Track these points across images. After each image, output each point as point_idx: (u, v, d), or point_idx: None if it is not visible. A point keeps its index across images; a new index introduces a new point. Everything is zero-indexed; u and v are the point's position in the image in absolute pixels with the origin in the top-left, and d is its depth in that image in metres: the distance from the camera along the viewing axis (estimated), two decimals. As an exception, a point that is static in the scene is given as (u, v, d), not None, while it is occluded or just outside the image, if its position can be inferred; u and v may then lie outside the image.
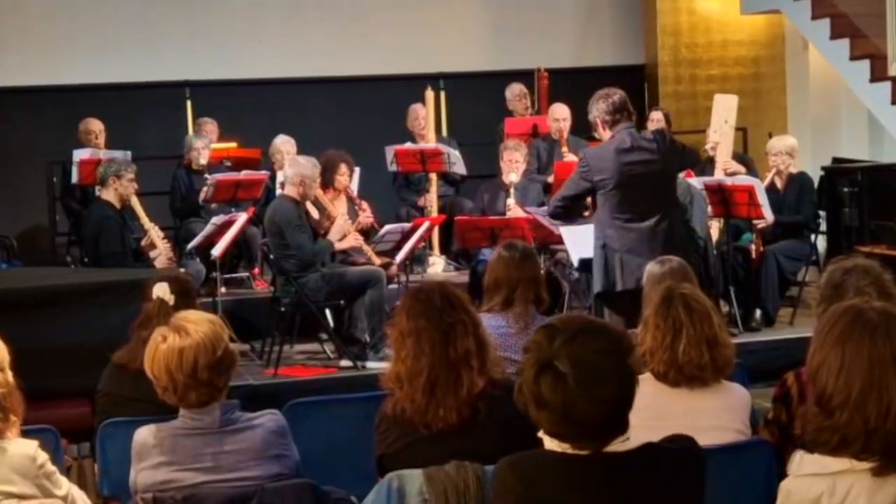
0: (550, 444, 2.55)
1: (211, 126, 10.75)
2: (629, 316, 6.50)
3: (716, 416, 3.88)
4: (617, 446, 2.53)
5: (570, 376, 2.44)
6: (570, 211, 6.87)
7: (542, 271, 7.78)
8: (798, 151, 9.16)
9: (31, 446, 3.57)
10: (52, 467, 3.61)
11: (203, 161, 9.95)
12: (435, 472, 3.41)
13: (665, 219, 6.63)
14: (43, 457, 3.57)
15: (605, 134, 6.68)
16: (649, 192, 6.59)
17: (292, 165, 8.18)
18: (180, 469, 3.46)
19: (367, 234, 8.93)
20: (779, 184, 8.97)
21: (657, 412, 3.79)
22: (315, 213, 8.56)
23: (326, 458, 4.32)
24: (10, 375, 3.67)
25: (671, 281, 4.84)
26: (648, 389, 3.93)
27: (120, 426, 4.30)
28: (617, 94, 6.67)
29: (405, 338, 3.64)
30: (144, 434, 3.53)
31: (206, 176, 9.58)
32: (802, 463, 2.66)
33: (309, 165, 8.11)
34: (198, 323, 3.48)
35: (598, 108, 6.65)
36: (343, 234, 8.28)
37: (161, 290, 4.61)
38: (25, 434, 3.70)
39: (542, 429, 2.54)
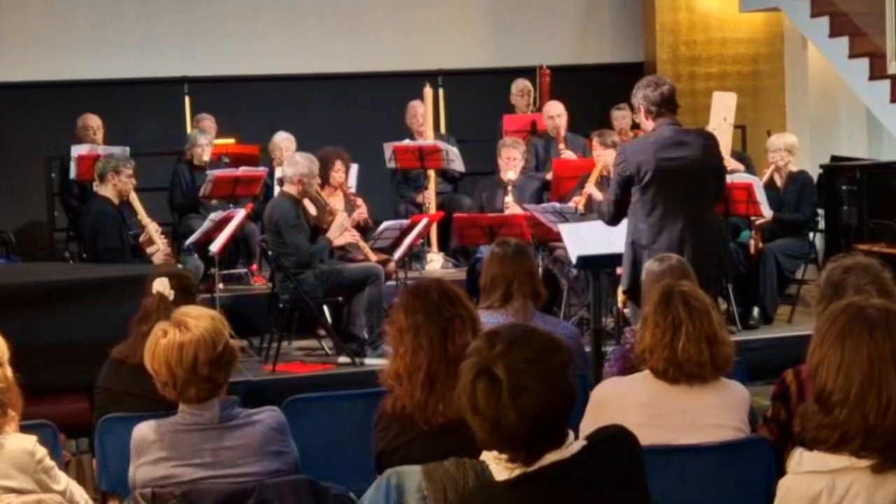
0: (496, 467, 2.50)
1: (209, 122, 10.74)
2: None
3: (715, 413, 3.87)
4: (557, 455, 2.46)
5: (505, 384, 2.40)
6: (625, 208, 6.51)
7: (541, 268, 7.82)
8: (798, 149, 9.16)
9: (29, 441, 3.58)
10: (51, 462, 3.61)
11: (206, 157, 9.95)
12: (434, 469, 3.40)
13: (699, 218, 6.37)
14: (42, 452, 3.57)
15: (647, 124, 6.39)
16: (685, 190, 6.30)
17: (290, 165, 8.18)
18: (179, 464, 3.46)
19: (364, 230, 8.92)
20: (778, 182, 8.98)
21: (656, 410, 3.80)
22: (313, 210, 8.56)
23: (325, 455, 4.33)
24: (9, 371, 3.67)
25: (670, 279, 4.84)
26: (647, 387, 3.94)
27: (118, 422, 4.30)
28: (666, 86, 6.35)
29: (403, 334, 3.63)
30: (144, 429, 3.53)
31: (208, 172, 9.58)
32: (802, 460, 2.66)
33: (306, 163, 8.11)
34: (198, 318, 3.48)
35: (644, 96, 6.32)
36: (342, 230, 8.28)
37: (161, 286, 4.60)
38: (24, 429, 3.70)
39: (477, 438, 2.50)
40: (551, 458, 2.46)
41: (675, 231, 6.28)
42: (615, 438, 2.59)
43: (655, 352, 3.91)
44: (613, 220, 6.67)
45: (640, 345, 3.99)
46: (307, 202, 8.36)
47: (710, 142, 6.58)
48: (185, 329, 3.44)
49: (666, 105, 6.31)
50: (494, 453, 2.49)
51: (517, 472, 2.46)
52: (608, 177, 8.11)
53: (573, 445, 2.49)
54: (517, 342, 2.47)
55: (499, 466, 2.49)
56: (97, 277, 6.81)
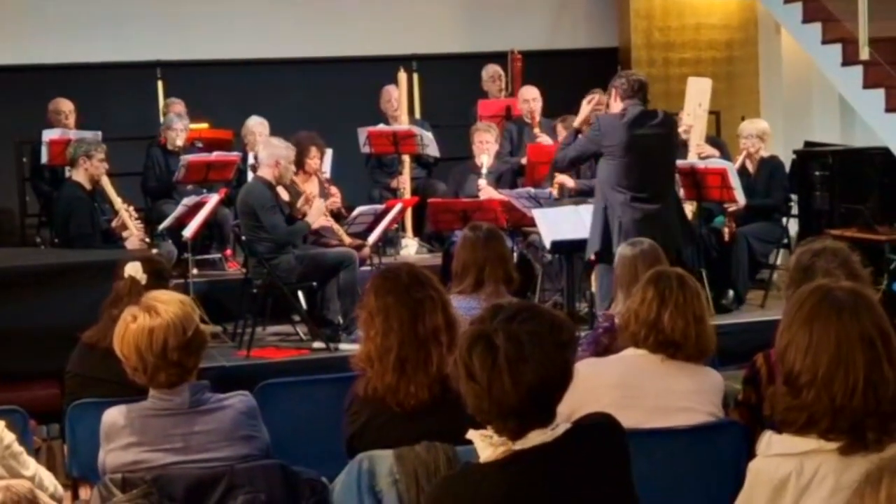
0: (481, 444, 2.49)
1: (179, 107, 10.65)
2: None
3: (687, 398, 3.87)
4: (544, 437, 2.46)
5: (503, 351, 2.41)
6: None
7: (515, 253, 7.83)
8: (769, 135, 9.19)
9: (-3, 427, 3.56)
10: (20, 447, 3.60)
11: (180, 142, 9.89)
12: (406, 453, 3.41)
13: (669, 200, 7.03)
14: (10, 437, 3.55)
15: (615, 105, 7.06)
16: (657, 168, 6.86)
17: (266, 147, 8.18)
18: (150, 449, 3.44)
19: (336, 217, 8.90)
20: (750, 167, 9.01)
21: (628, 391, 3.80)
22: (286, 196, 8.52)
23: (297, 439, 4.31)
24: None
25: (642, 263, 4.85)
26: (620, 369, 3.94)
27: (89, 407, 4.28)
28: (635, 77, 7.19)
29: (374, 316, 3.63)
30: (114, 414, 3.51)
31: (182, 157, 9.53)
32: (771, 443, 2.67)
33: (283, 147, 8.11)
34: (168, 303, 3.46)
35: (619, 82, 7.08)
36: (320, 215, 8.28)
37: (133, 270, 4.58)
38: (-7, 415, 3.69)
39: (468, 405, 2.49)
40: (536, 438, 2.46)
41: (651, 214, 6.82)
42: (601, 425, 2.60)
43: (640, 316, 3.90)
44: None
45: (625, 315, 4.00)
46: (281, 189, 8.32)
47: (672, 121, 7.38)
48: (154, 314, 3.42)
49: (636, 91, 7.02)
50: (481, 431, 2.49)
51: (501, 449, 2.46)
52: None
53: (559, 428, 2.49)
54: (520, 315, 2.47)
55: (484, 444, 2.49)
56: (69, 263, 6.79)
